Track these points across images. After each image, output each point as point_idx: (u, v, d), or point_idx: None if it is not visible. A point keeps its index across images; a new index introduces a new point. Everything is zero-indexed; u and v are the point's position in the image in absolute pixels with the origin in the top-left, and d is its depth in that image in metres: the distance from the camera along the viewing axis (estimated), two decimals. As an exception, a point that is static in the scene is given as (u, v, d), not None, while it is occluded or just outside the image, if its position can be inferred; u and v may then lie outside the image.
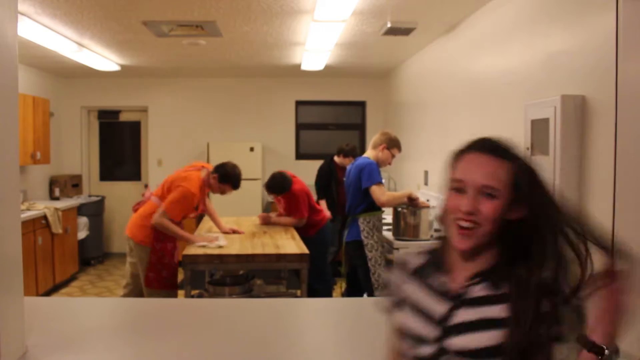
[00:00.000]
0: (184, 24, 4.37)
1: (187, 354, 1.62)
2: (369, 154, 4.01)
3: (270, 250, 3.62)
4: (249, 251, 3.60)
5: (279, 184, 4.57)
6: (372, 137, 4.16)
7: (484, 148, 1.10)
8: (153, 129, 7.59)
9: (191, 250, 3.60)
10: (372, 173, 3.78)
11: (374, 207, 3.87)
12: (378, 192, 3.74)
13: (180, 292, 3.84)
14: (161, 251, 3.80)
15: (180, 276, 4.11)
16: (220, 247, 3.73)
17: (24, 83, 6.13)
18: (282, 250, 3.61)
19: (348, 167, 4.16)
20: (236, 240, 3.91)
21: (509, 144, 1.12)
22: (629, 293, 1.01)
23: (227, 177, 3.97)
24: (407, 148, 6.11)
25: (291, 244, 3.83)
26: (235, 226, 4.43)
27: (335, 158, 5.82)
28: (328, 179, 5.75)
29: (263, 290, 3.83)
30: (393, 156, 4.03)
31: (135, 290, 3.93)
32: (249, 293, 3.60)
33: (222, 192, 4.04)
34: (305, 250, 3.61)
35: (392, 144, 4.02)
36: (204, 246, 3.72)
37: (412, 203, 3.87)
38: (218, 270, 4.12)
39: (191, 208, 3.91)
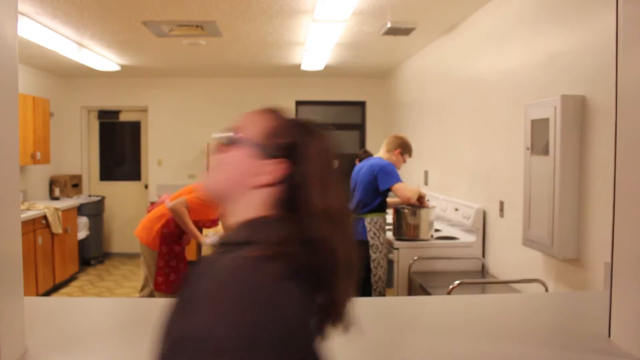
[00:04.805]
0: (184, 24, 4.37)
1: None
2: (383, 156, 3.97)
3: None
4: None
5: None
6: (385, 140, 4.10)
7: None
8: (153, 129, 7.59)
9: (207, 252, 3.58)
10: (394, 172, 3.79)
11: (382, 208, 3.87)
12: (404, 189, 3.75)
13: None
14: (168, 254, 3.77)
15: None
16: None
17: (24, 83, 6.13)
18: None
19: (357, 166, 4.14)
20: None
21: None
22: None
23: None
24: (407, 148, 6.12)
25: None
26: None
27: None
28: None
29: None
30: (404, 161, 4.02)
31: (150, 292, 3.90)
32: None
33: None
34: None
35: (407, 149, 4.00)
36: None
37: (420, 201, 3.86)
38: None
39: (207, 216, 3.86)
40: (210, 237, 3.82)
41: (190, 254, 6.71)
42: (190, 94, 7.60)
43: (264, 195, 0.93)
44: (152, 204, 4.09)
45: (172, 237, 3.80)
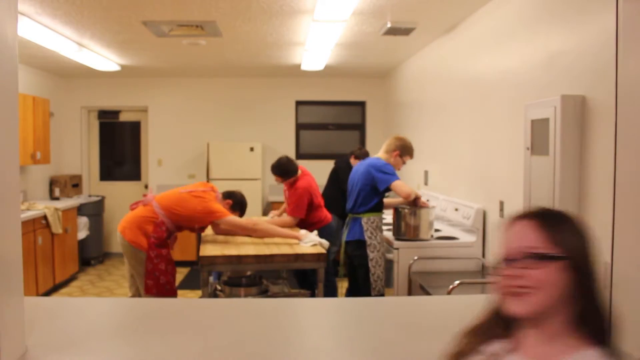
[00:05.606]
0: (184, 24, 4.37)
1: (189, 355, 1.62)
2: (381, 156, 3.95)
3: (285, 250, 3.62)
4: (266, 252, 3.59)
5: (281, 167, 4.57)
6: (386, 140, 4.08)
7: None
8: (153, 129, 7.59)
9: (207, 252, 3.56)
10: (391, 171, 3.80)
11: (378, 208, 3.87)
12: (402, 185, 3.76)
13: (198, 293, 3.79)
14: (157, 257, 3.73)
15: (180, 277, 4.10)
16: (323, 244, 3.77)
17: (24, 83, 6.13)
18: (298, 250, 3.62)
19: (355, 167, 4.15)
20: (248, 242, 3.89)
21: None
22: None
23: (241, 205, 4.13)
24: (407, 148, 6.12)
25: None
26: None
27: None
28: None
29: (270, 291, 3.83)
30: (404, 163, 4.00)
31: (136, 291, 3.89)
32: (265, 294, 3.61)
33: None
34: (322, 250, 3.62)
35: (406, 151, 3.97)
36: (314, 245, 3.72)
37: (415, 203, 3.86)
38: (224, 272, 4.10)
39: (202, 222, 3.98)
40: (307, 237, 3.81)
41: (186, 254, 6.74)
42: (190, 94, 7.60)
43: None
44: (137, 202, 4.00)
45: (160, 241, 3.78)
